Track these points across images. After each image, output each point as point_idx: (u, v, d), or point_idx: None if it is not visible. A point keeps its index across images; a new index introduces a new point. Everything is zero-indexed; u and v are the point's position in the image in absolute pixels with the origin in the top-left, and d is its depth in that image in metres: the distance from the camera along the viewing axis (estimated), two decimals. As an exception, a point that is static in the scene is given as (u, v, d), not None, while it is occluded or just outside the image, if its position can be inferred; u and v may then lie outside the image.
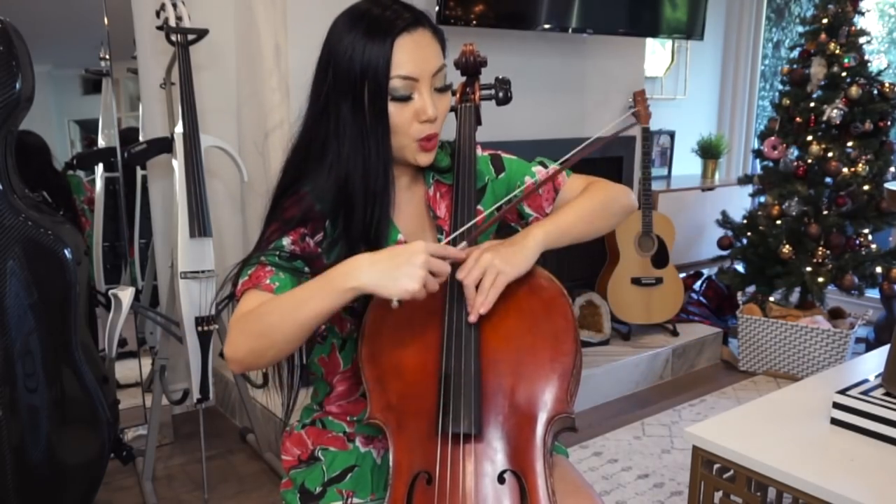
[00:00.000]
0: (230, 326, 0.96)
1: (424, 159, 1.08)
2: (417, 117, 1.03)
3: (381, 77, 0.99)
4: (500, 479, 0.96)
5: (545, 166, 1.22)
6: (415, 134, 1.04)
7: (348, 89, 1.01)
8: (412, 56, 1.00)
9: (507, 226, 1.24)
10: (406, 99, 1.02)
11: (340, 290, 0.89)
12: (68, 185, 2.37)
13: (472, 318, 1.00)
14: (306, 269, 1.02)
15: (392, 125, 1.03)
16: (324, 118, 1.05)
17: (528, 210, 1.20)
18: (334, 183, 1.04)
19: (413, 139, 1.05)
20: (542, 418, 0.99)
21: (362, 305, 1.07)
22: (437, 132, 1.06)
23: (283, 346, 0.94)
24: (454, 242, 1.03)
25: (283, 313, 0.92)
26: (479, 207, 1.17)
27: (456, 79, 1.18)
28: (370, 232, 1.05)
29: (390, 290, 0.88)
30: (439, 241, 1.13)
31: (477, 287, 1.00)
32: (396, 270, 0.88)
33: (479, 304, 0.99)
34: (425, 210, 1.16)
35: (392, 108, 1.01)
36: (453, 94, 1.18)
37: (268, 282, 0.98)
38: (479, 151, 1.21)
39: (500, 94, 1.24)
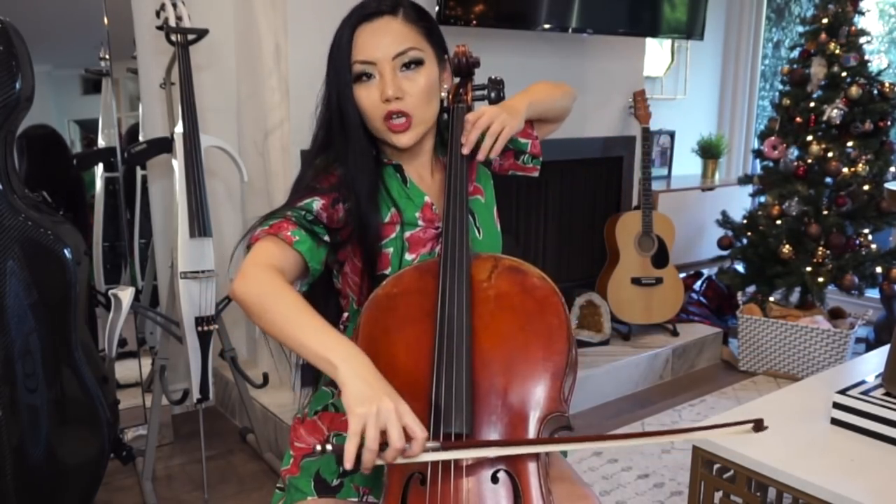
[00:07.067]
0: (246, 264, 0.99)
1: (400, 140, 1.11)
2: (381, 97, 1.08)
3: (345, 62, 1.08)
4: (494, 479, 0.96)
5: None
6: (380, 114, 1.09)
7: (330, 72, 1.11)
8: (368, 41, 1.08)
9: (506, 176, 1.34)
10: (368, 78, 1.09)
11: (327, 366, 0.91)
12: (83, 181, 2.37)
13: (466, 151, 1.14)
14: (326, 237, 1.07)
15: (361, 108, 1.10)
16: (327, 97, 1.13)
17: (522, 140, 1.31)
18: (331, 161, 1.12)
19: (381, 120, 1.09)
20: (534, 417, 0.99)
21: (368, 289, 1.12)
22: (403, 110, 1.09)
23: (271, 334, 0.97)
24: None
25: (284, 321, 0.95)
26: (478, 185, 1.24)
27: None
28: (362, 215, 1.10)
29: (351, 405, 0.87)
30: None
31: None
32: (369, 404, 0.86)
33: (489, 146, 1.13)
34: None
35: (358, 90, 1.09)
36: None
37: (289, 233, 1.03)
38: None
39: (493, 95, 1.24)
